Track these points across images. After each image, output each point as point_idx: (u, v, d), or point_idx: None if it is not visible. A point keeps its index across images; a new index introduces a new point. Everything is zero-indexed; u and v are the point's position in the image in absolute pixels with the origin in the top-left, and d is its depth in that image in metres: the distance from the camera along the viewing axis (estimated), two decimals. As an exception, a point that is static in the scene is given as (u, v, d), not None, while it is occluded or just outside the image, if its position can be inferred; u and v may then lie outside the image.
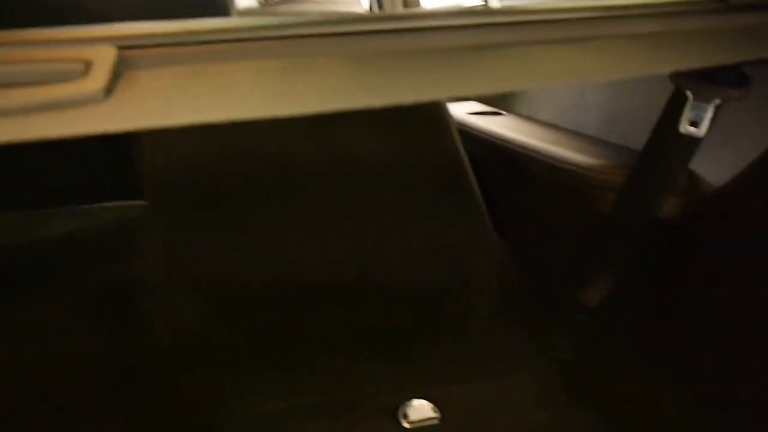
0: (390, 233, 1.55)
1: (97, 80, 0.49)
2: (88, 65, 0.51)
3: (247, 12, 2.97)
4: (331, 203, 1.58)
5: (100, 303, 1.45)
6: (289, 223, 1.54)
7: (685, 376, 1.11)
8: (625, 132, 1.37)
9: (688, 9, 0.80)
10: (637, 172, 1.14)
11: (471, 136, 1.72)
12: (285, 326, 1.36)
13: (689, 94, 0.98)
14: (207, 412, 1.17)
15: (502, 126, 1.64)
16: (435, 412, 1.17)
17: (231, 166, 1.61)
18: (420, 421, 1.15)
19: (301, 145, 1.65)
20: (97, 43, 0.54)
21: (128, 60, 0.54)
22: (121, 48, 0.54)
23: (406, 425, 1.14)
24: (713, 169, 1.12)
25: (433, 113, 1.75)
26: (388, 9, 3.29)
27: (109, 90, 0.50)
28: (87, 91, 0.49)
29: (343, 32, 0.63)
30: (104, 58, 0.52)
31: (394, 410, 1.16)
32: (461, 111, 1.85)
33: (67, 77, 0.50)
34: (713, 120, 1.00)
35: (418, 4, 3.32)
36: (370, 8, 3.44)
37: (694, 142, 1.03)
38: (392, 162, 1.66)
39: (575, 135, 1.48)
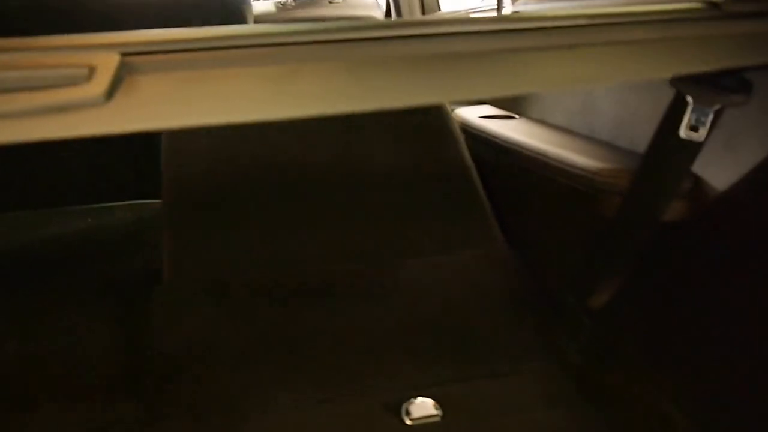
0: (396, 237, 1.59)
1: (100, 85, 0.53)
2: (92, 70, 0.55)
3: (264, 17, 3.03)
4: (339, 207, 1.63)
5: (109, 299, 1.50)
6: (297, 226, 1.58)
7: (688, 380, 1.12)
8: (633, 136, 1.37)
9: (687, 16, 0.82)
10: (639, 176, 1.15)
11: (480, 139, 1.74)
12: (291, 324, 1.39)
13: (690, 98, 0.99)
14: (213, 406, 1.20)
15: (513, 129, 1.66)
16: (437, 409, 1.19)
17: (245, 170, 1.67)
18: (422, 418, 1.17)
19: (312, 152, 1.71)
20: (102, 49, 0.57)
21: (130, 66, 0.57)
22: (124, 54, 0.57)
23: (408, 422, 1.16)
24: (718, 173, 1.13)
25: (439, 120, 1.79)
26: (406, 15, 3.33)
27: (110, 94, 0.53)
28: (89, 95, 0.52)
29: (338, 39, 0.65)
30: (107, 63, 0.55)
31: (397, 407, 1.18)
32: (474, 114, 1.87)
33: (72, 82, 0.53)
34: (714, 124, 1.01)
35: (437, 9, 3.35)
36: (387, 14, 3.49)
37: (695, 146, 1.04)
38: (399, 168, 1.70)
39: (585, 139, 1.49)
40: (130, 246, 1.74)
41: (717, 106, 0.98)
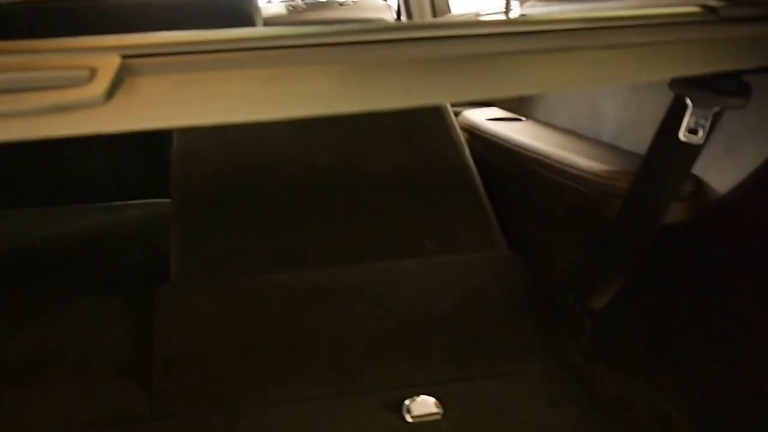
0: (398, 238, 1.61)
1: (99, 86, 0.55)
2: (93, 72, 0.57)
3: (275, 20, 3.06)
4: (343, 208, 1.66)
5: (117, 295, 1.53)
6: (301, 227, 1.62)
7: (688, 380, 1.12)
8: (637, 139, 1.38)
9: (685, 20, 0.83)
10: (639, 178, 1.16)
11: (486, 141, 1.75)
12: (293, 323, 1.41)
13: (689, 101, 0.99)
14: (216, 402, 1.22)
15: (519, 131, 1.67)
16: (438, 407, 1.20)
17: (253, 171, 1.71)
18: (423, 416, 1.18)
19: (317, 155, 1.74)
20: (104, 52, 0.59)
21: (131, 68, 0.59)
22: (125, 57, 0.59)
23: (409, 419, 1.17)
24: (719, 176, 1.13)
25: (441, 124, 1.82)
26: (417, 17, 3.34)
27: (110, 95, 0.55)
28: (89, 95, 0.54)
29: (330, 43, 0.67)
30: (108, 65, 0.58)
31: (398, 405, 1.20)
32: (481, 116, 1.88)
33: (74, 83, 0.56)
34: (713, 127, 1.01)
35: (447, 12, 3.36)
36: (398, 17, 3.50)
37: (694, 149, 1.04)
38: (401, 170, 1.73)
39: (589, 141, 1.49)
40: (139, 244, 1.78)
41: (716, 109, 0.99)
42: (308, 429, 1.17)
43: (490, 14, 2.75)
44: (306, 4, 3.22)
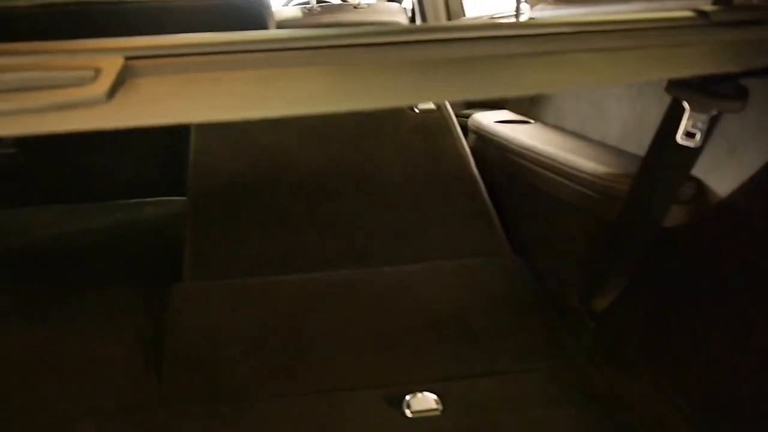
0: (405, 244, 1.65)
1: (102, 85, 0.58)
2: (97, 72, 0.60)
3: (290, 22, 3.09)
4: (351, 213, 1.71)
5: (132, 291, 1.57)
6: (311, 229, 1.67)
7: (688, 382, 1.13)
8: (641, 141, 1.39)
9: (678, 24, 0.85)
10: (639, 180, 1.17)
11: (492, 142, 1.78)
12: (300, 321, 1.44)
13: (686, 105, 1.01)
14: (223, 394, 1.26)
15: (526, 133, 1.69)
16: (438, 404, 1.22)
17: (266, 173, 1.78)
18: (422, 411, 1.20)
19: (329, 161, 1.81)
20: (109, 53, 0.63)
21: (133, 68, 0.62)
22: (128, 58, 0.63)
23: (409, 414, 1.20)
24: (720, 179, 1.14)
25: (447, 131, 1.88)
26: (432, 21, 3.36)
27: (112, 94, 0.59)
28: (92, 94, 0.58)
29: (325, 46, 0.70)
30: (112, 66, 0.61)
31: (398, 400, 1.22)
32: (490, 118, 1.90)
33: (79, 82, 0.59)
34: (711, 131, 1.03)
35: (462, 15, 3.37)
36: (412, 20, 3.52)
37: (692, 152, 1.05)
38: (409, 177, 1.78)
39: (594, 144, 1.51)
40: (155, 241, 1.83)
41: (713, 113, 1.00)
42: (309, 420, 1.19)
43: (501, 17, 2.77)
44: (320, 7, 3.26)
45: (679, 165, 1.09)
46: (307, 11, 3.17)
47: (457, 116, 2.83)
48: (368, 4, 3.46)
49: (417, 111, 1.98)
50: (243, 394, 1.26)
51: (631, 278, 1.26)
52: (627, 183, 1.21)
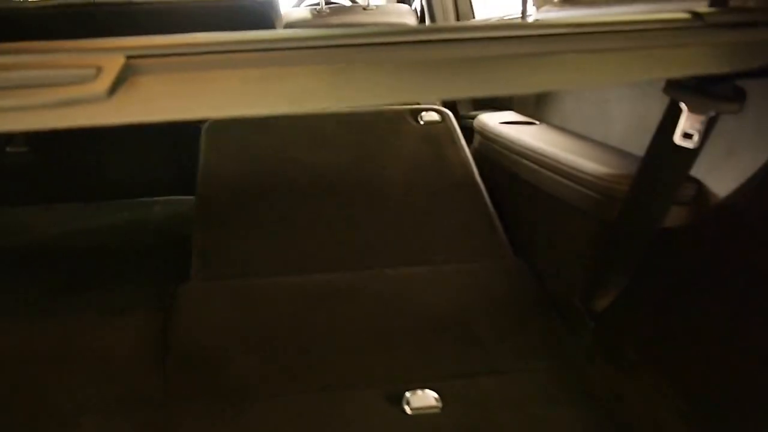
0: (407, 247, 1.68)
1: (103, 83, 0.60)
2: (99, 70, 0.62)
3: (299, 23, 3.12)
4: (355, 216, 1.74)
5: (140, 289, 1.60)
6: (317, 231, 1.70)
7: (686, 384, 1.13)
8: (644, 143, 1.39)
9: (675, 26, 0.86)
10: (637, 181, 1.18)
11: (497, 143, 1.79)
12: (304, 321, 1.46)
13: (683, 106, 1.01)
14: (226, 391, 1.28)
15: (530, 135, 1.70)
16: (437, 402, 1.23)
17: (273, 178, 1.82)
18: (422, 408, 1.21)
19: (336, 165, 1.86)
20: (111, 52, 0.65)
21: (134, 67, 0.65)
22: (129, 57, 0.65)
23: (409, 411, 1.21)
24: (720, 179, 1.14)
25: (450, 139, 1.93)
26: (440, 21, 3.37)
27: (112, 91, 0.61)
28: (92, 92, 0.60)
29: (322, 45, 0.72)
30: (113, 64, 0.63)
31: (398, 397, 1.23)
32: (495, 120, 1.91)
33: (81, 80, 0.61)
34: (709, 132, 1.03)
35: (471, 17, 3.38)
36: (421, 21, 3.54)
37: (690, 153, 1.06)
38: (412, 181, 1.82)
39: (597, 145, 1.52)
40: (162, 240, 1.86)
41: (711, 114, 1.00)
42: (310, 418, 1.21)
43: (509, 19, 2.77)
44: (329, 8, 3.28)
45: (678, 166, 1.10)
46: (316, 12, 3.19)
47: (465, 118, 2.85)
48: (377, 6, 3.48)
49: (422, 123, 2.01)
50: (245, 391, 1.28)
51: (631, 278, 1.26)
52: (627, 183, 1.22)
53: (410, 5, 3.67)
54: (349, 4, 3.69)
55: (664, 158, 1.11)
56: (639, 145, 1.39)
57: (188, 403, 1.26)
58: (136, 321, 1.50)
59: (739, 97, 0.97)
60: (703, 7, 0.89)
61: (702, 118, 1.01)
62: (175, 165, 2.09)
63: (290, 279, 1.58)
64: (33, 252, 1.81)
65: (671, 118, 1.05)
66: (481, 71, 0.79)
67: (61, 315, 1.52)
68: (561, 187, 1.43)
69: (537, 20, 1.86)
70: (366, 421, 1.20)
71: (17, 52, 0.62)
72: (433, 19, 3.45)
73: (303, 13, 3.28)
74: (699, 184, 1.16)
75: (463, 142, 1.97)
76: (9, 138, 1.97)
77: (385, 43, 0.74)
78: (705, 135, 1.03)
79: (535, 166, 1.54)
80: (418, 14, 3.61)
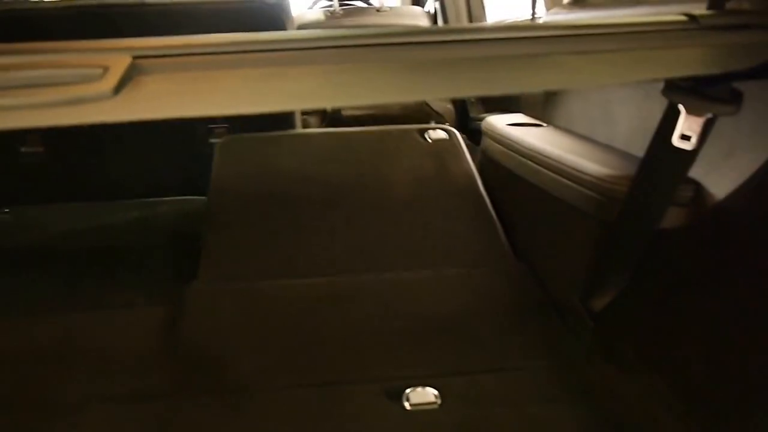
0: (411, 252, 1.72)
1: (109, 82, 0.63)
2: (106, 70, 0.65)
3: (312, 25, 3.16)
4: (360, 224, 1.79)
5: (147, 288, 1.64)
6: (324, 237, 1.75)
7: (682, 383, 1.14)
8: (646, 144, 1.40)
9: (669, 28, 0.88)
10: (637, 182, 1.19)
11: (502, 144, 1.81)
12: (308, 322, 1.49)
13: (681, 108, 1.03)
14: (229, 386, 1.31)
15: (535, 136, 1.71)
16: (437, 398, 1.25)
17: (283, 185, 1.89)
18: (420, 404, 1.23)
19: (344, 174, 1.93)
20: (118, 52, 0.68)
21: (139, 67, 0.68)
22: (135, 57, 0.68)
23: (408, 407, 1.23)
24: (718, 181, 1.15)
25: (454, 149, 2.00)
26: (453, 23, 3.39)
27: (118, 90, 0.64)
28: (98, 90, 0.63)
29: (324, 46, 0.75)
30: (119, 64, 0.66)
31: (398, 394, 1.25)
32: (502, 122, 1.93)
33: (88, 79, 0.64)
34: (706, 134, 1.04)
35: (483, 19, 3.40)
36: (435, 22, 3.55)
37: (688, 154, 1.07)
38: (418, 194, 1.88)
39: (600, 146, 1.53)
40: (171, 239, 1.91)
41: (708, 116, 1.01)
42: (310, 411, 1.23)
43: (521, 21, 2.79)
44: (343, 10, 3.31)
45: (677, 167, 1.11)
46: (329, 14, 3.23)
47: (474, 120, 2.87)
48: (390, 8, 3.51)
49: (430, 141, 2.07)
50: (248, 386, 1.30)
51: (630, 279, 1.27)
52: (627, 185, 1.23)
53: (423, 7, 3.70)
54: (362, 5, 3.72)
55: (663, 160, 1.12)
56: (642, 147, 1.41)
57: (191, 396, 1.28)
58: (143, 317, 1.53)
59: (736, 99, 0.98)
60: (699, 10, 0.90)
61: (700, 119, 1.02)
62: (183, 166, 2.14)
63: (295, 282, 1.62)
64: (44, 250, 1.86)
65: (670, 120, 1.06)
66: (484, 71, 0.81)
67: (69, 311, 1.56)
68: (562, 188, 1.44)
69: (543, 22, 1.88)
70: (366, 416, 1.22)
71: (28, 52, 0.65)
72: (446, 21, 3.47)
73: (316, 14, 3.32)
74: (697, 186, 1.17)
75: (468, 157, 2.03)
76: (23, 139, 2.03)
77: (390, 44, 0.77)
78: (703, 137, 1.04)
79: (538, 167, 1.55)
80: (432, 16, 3.64)
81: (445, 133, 2.10)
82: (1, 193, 2.12)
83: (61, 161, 2.09)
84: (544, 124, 1.87)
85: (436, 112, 3.38)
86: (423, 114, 3.38)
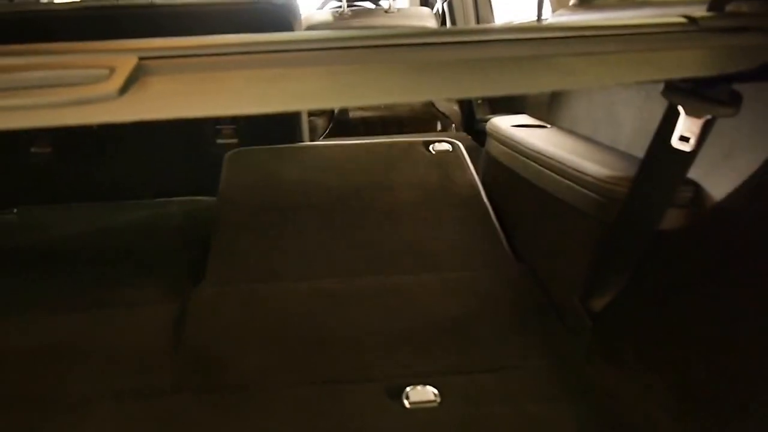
0: (414, 257, 1.74)
1: (115, 83, 0.65)
2: (112, 71, 0.67)
3: (320, 26, 3.18)
4: (366, 229, 1.83)
5: (154, 288, 1.66)
6: (328, 243, 1.78)
7: (679, 384, 1.15)
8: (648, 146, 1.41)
9: (668, 29, 0.89)
10: (636, 183, 1.20)
11: (506, 144, 1.82)
12: (312, 323, 1.51)
13: (681, 109, 1.03)
14: (232, 383, 1.33)
15: (539, 137, 1.72)
16: (436, 397, 1.26)
17: (292, 193, 1.93)
18: (420, 402, 1.25)
19: (350, 181, 1.99)
20: (125, 53, 0.70)
21: (145, 67, 0.69)
22: (142, 58, 0.70)
23: (407, 405, 1.24)
24: (717, 182, 1.16)
25: (460, 167, 2.05)
26: (461, 24, 3.40)
27: (123, 91, 0.66)
28: (105, 91, 0.65)
29: (328, 47, 0.76)
30: (125, 65, 0.68)
31: (398, 392, 1.27)
32: (507, 123, 1.94)
33: (95, 80, 0.66)
34: (705, 135, 1.05)
35: (491, 20, 3.41)
36: (443, 23, 3.56)
37: (687, 156, 1.08)
38: (421, 202, 1.92)
39: (603, 148, 1.53)
40: (180, 239, 1.93)
41: (707, 117, 1.02)
42: (311, 408, 1.25)
43: (521, 22, 2.80)
44: (351, 11, 3.33)
45: (675, 168, 1.12)
46: (338, 15, 3.25)
47: (480, 121, 2.88)
48: (399, 9, 3.53)
49: (433, 152, 2.12)
50: (251, 384, 1.32)
51: (630, 279, 1.28)
52: (627, 186, 1.24)
53: (432, 9, 3.71)
54: (371, 6, 3.75)
55: (662, 161, 1.12)
56: (644, 148, 1.41)
57: (196, 393, 1.30)
58: (150, 316, 1.56)
59: (735, 100, 0.99)
60: (699, 12, 0.91)
61: (699, 121, 1.03)
62: (190, 166, 2.17)
63: (299, 285, 1.64)
64: (52, 249, 1.88)
65: (670, 121, 1.07)
66: (488, 72, 0.82)
67: (78, 310, 1.58)
68: (563, 188, 1.45)
69: (547, 24, 1.89)
70: (366, 413, 1.24)
71: (36, 53, 0.67)
72: (453, 22, 3.48)
73: (325, 15, 3.34)
74: (697, 187, 1.18)
75: (471, 167, 2.07)
76: (33, 139, 2.07)
77: (395, 45, 0.78)
78: (702, 138, 1.05)
79: (539, 168, 1.57)
80: (440, 17, 3.65)
81: (449, 145, 2.15)
82: (9, 194, 2.15)
83: (69, 162, 2.12)
84: (549, 126, 1.88)
85: (443, 114, 3.40)
86: (430, 115, 3.41)
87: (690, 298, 1.15)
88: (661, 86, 1.04)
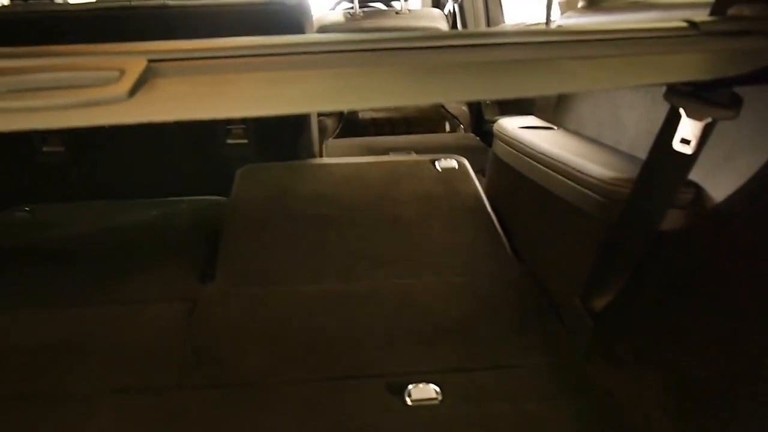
0: (419, 261, 1.77)
1: (124, 85, 0.67)
2: (122, 73, 0.69)
3: (332, 27, 3.20)
4: (372, 237, 1.87)
5: (162, 286, 1.69)
6: (335, 249, 1.82)
7: (677, 384, 1.15)
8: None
9: (670, 34, 0.90)
10: (638, 185, 1.21)
11: (512, 145, 1.84)
12: (316, 323, 1.54)
13: (682, 112, 1.04)
14: (237, 380, 1.35)
15: (545, 139, 1.73)
16: (438, 394, 1.28)
17: (301, 204, 1.99)
18: (421, 400, 1.27)
19: (358, 189, 2.05)
20: (135, 56, 0.72)
21: (155, 70, 0.71)
22: (151, 60, 0.72)
23: (409, 402, 1.26)
24: (718, 184, 1.17)
25: (465, 182, 2.11)
26: (471, 25, 3.41)
27: (133, 93, 0.68)
28: (114, 93, 0.67)
29: (337, 50, 0.78)
30: (135, 67, 0.70)
31: (401, 389, 1.29)
32: (514, 124, 1.96)
33: (105, 82, 0.68)
34: (706, 138, 1.06)
35: (501, 21, 3.41)
36: (453, 26, 3.57)
37: (688, 158, 1.08)
38: (427, 213, 1.96)
39: (607, 149, 1.55)
40: (189, 238, 1.96)
41: (708, 120, 1.03)
42: (313, 404, 1.27)
43: (537, 24, 2.81)
44: (363, 12, 3.35)
45: (677, 170, 1.12)
46: (350, 16, 3.27)
47: (488, 122, 2.89)
48: (410, 10, 3.54)
49: (440, 170, 2.18)
50: (254, 381, 1.34)
51: (630, 280, 1.29)
52: (628, 187, 1.25)
53: (443, 10, 3.72)
54: (383, 7, 3.77)
55: (663, 163, 1.13)
56: (647, 150, 1.42)
57: (200, 389, 1.33)
58: (157, 314, 1.58)
59: (736, 103, 1.00)
60: (701, 16, 0.92)
61: (700, 124, 1.04)
62: (201, 166, 2.20)
63: (306, 287, 1.67)
64: (63, 247, 1.91)
65: (671, 124, 1.08)
66: (495, 74, 0.84)
67: (87, 307, 1.61)
68: (566, 189, 1.46)
69: (555, 27, 1.90)
70: (368, 410, 1.26)
71: (47, 55, 0.70)
72: (464, 23, 3.50)
73: (337, 16, 3.36)
74: (697, 188, 1.18)
75: (476, 181, 2.12)
76: (44, 139, 2.10)
77: (404, 48, 0.80)
78: (703, 141, 1.05)
79: (543, 168, 1.58)
80: (450, 18, 3.66)
81: (455, 162, 2.20)
82: (22, 192, 2.19)
83: (81, 161, 2.15)
84: (555, 127, 1.89)
85: (452, 115, 3.41)
86: (438, 116, 3.42)
87: (690, 299, 1.16)
88: (665, 89, 1.05)
